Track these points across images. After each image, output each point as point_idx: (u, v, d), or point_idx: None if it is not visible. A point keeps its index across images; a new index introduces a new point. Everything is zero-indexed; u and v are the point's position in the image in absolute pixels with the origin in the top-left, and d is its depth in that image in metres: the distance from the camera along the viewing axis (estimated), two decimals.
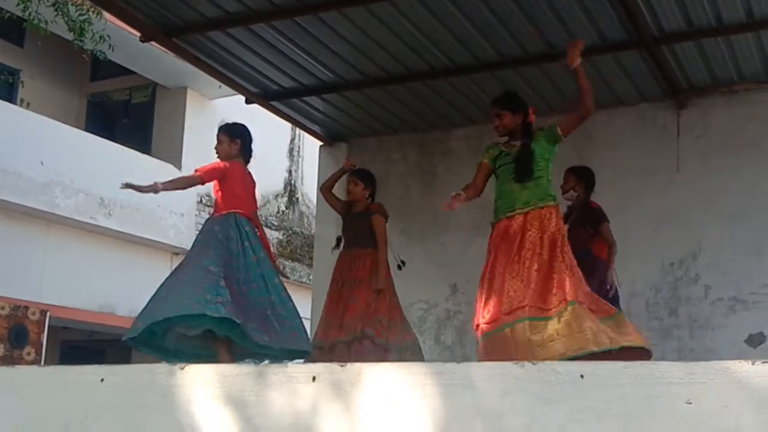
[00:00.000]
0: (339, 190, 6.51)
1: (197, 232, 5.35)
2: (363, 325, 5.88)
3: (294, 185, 14.83)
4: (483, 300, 4.64)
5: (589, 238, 5.83)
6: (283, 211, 14.64)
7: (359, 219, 6.16)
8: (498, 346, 4.42)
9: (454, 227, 7.78)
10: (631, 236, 6.50)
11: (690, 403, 2.87)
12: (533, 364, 3.10)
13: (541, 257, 4.59)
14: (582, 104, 4.86)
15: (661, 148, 7.12)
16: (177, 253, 11.75)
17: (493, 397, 3.09)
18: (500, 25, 6.15)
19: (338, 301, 6.04)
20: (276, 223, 14.05)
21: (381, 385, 3.25)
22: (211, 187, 5.29)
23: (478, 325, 4.63)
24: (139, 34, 6.78)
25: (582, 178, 6.01)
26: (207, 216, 5.59)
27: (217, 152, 5.31)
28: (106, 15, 7.60)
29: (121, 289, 11.24)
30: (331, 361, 5.68)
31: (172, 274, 4.98)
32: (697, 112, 7.10)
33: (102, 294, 11.09)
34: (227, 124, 5.41)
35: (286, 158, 14.66)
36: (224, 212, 5.08)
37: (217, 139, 5.31)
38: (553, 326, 4.36)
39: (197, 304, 4.53)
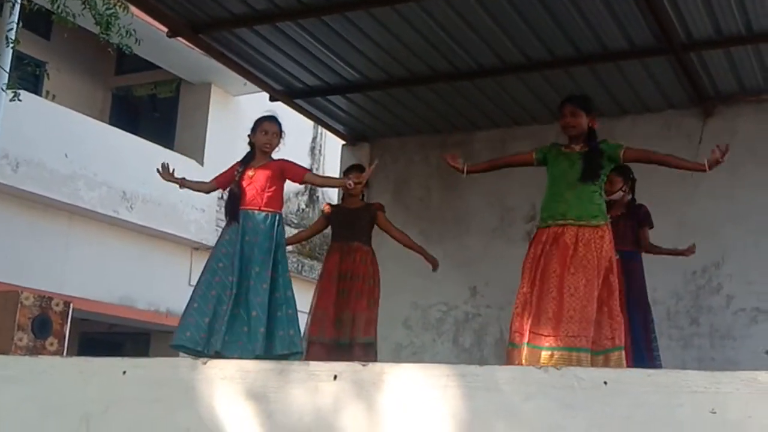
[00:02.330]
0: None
1: (217, 228, 5.36)
2: (368, 333, 5.93)
3: None
4: (535, 308, 4.49)
5: (632, 236, 5.85)
6: (303, 209, 14.67)
7: (359, 215, 6.15)
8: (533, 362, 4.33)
9: (475, 229, 7.78)
10: (654, 243, 6.46)
11: (714, 413, 2.85)
12: (557, 369, 3.09)
13: (595, 281, 4.46)
14: (662, 161, 4.84)
15: (686, 156, 6.96)
16: (197, 248, 11.79)
17: (515, 400, 3.08)
18: (527, 27, 6.13)
19: (334, 296, 5.97)
20: (296, 221, 14.07)
21: (402, 385, 3.25)
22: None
23: (523, 332, 4.50)
24: (165, 29, 6.82)
25: (628, 177, 5.97)
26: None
27: (272, 145, 5.28)
28: (133, 9, 7.62)
29: (141, 283, 11.30)
30: (329, 359, 5.69)
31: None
32: (724, 120, 7.04)
33: (122, 287, 11.15)
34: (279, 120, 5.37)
35: (308, 156, 14.66)
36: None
37: (274, 132, 5.26)
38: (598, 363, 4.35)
39: None
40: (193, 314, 4.87)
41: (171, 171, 5.34)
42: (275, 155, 5.32)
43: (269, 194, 5.11)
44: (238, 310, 4.85)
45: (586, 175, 4.63)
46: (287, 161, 5.27)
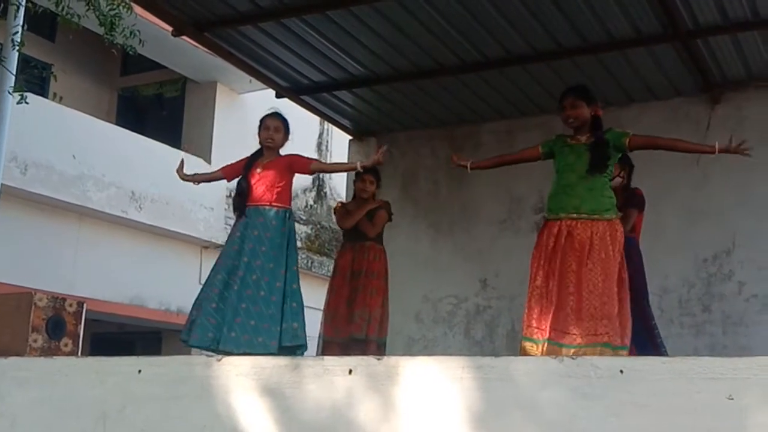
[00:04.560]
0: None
1: (226, 226, 5.41)
2: (382, 333, 5.98)
3: (322, 180, 14.81)
4: (554, 305, 4.46)
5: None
6: (311, 206, 14.66)
7: (371, 213, 6.21)
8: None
9: (484, 221, 7.77)
10: (664, 231, 6.46)
11: (732, 399, 2.84)
12: (573, 358, 3.09)
13: (614, 275, 4.47)
14: (670, 146, 4.88)
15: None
16: (206, 247, 11.80)
17: (531, 391, 3.08)
18: (532, 17, 6.12)
19: (347, 293, 6.01)
20: (304, 218, 14.07)
21: (418, 378, 3.25)
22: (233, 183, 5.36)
23: (539, 329, 4.47)
24: (170, 28, 6.82)
25: (626, 163, 5.93)
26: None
27: (275, 141, 5.31)
28: (137, 9, 7.62)
29: (151, 282, 11.32)
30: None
31: None
32: (732, 106, 7.01)
33: (133, 287, 11.16)
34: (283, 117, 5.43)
35: (315, 153, 14.64)
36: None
37: (275, 127, 5.29)
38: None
39: None
40: (201, 315, 4.90)
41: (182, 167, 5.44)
42: (284, 152, 5.35)
43: (278, 189, 5.14)
44: (245, 305, 4.86)
45: (594, 168, 4.61)
46: (294, 154, 5.32)
